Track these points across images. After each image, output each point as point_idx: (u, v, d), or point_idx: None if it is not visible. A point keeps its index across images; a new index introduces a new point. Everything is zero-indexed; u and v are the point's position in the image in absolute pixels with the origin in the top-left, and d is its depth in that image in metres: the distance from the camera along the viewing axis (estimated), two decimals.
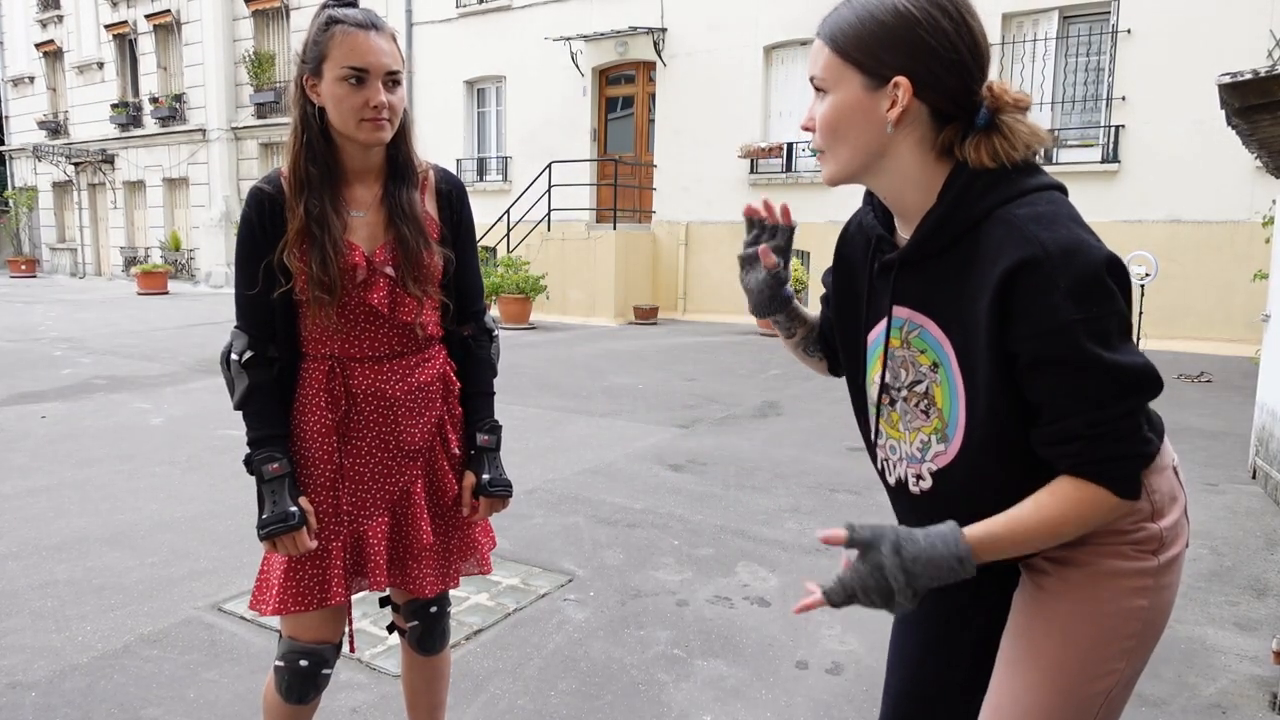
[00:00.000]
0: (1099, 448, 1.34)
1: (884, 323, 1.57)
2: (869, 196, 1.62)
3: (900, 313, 1.53)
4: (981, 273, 1.36)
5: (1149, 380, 1.34)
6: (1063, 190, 1.41)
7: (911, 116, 1.40)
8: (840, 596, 1.42)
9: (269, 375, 2.09)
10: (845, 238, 1.70)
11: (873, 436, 1.66)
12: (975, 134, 1.40)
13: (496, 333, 2.36)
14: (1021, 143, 1.39)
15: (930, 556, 1.36)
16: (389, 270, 2.09)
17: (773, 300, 1.82)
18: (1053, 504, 1.37)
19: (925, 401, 1.52)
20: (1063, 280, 1.28)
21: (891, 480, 1.65)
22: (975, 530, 1.39)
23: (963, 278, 1.40)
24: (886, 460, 1.65)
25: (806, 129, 1.49)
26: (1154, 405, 1.58)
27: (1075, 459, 1.35)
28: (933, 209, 1.43)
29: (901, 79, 1.37)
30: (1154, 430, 1.46)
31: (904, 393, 1.56)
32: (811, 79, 1.46)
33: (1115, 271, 1.32)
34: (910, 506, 1.62)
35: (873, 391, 1.64)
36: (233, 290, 2.13)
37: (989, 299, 1.33)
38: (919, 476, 1.57)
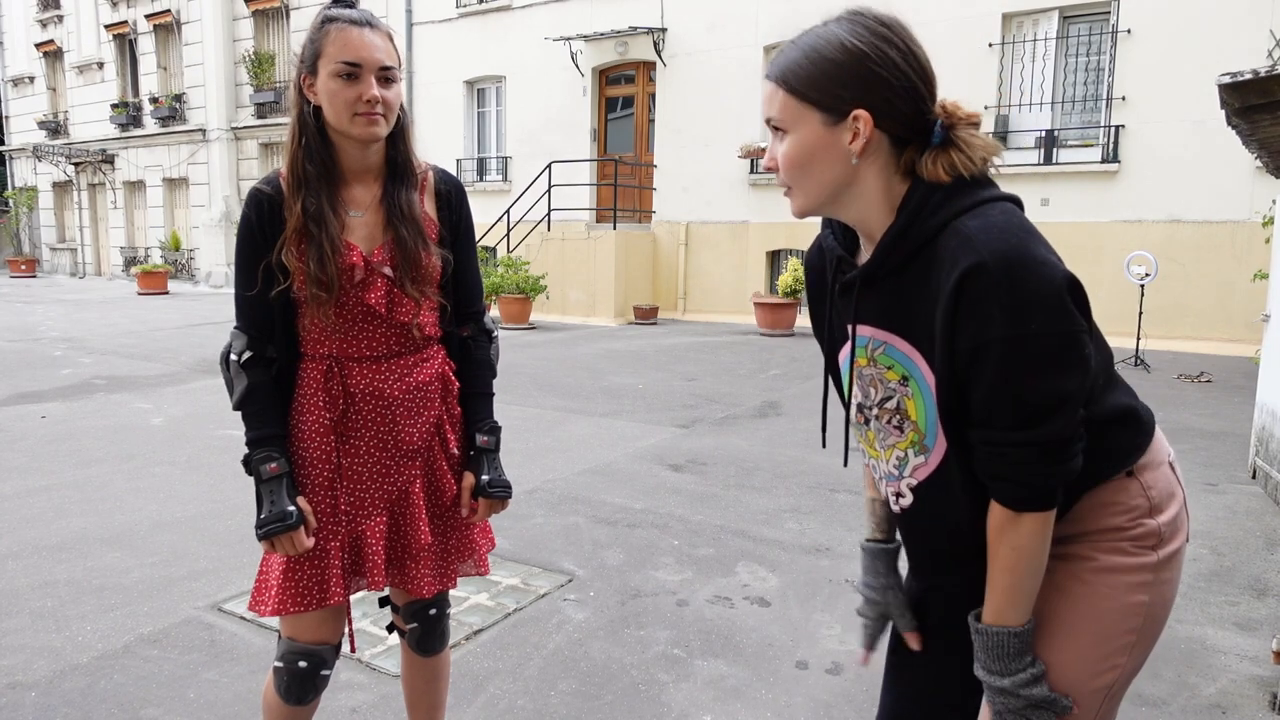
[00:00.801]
0: (992, 464, 1.40)
1: (850, 343, 1.60)
2: (826, 221, 1.64)
3: (864, 331, 1.56)
4: (938, 282, 1.38)
5: (1060, 412, 1.35)
6: (1017, 203, 1.44)
7: (873, 145, 1.43)
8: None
9: (268, 375, 2.10)
10: (809, 263, 1.74)
11: (844, 458, 1.70)
12: (932, 151, 1.43)
13: (496, 333, 2.36)
14: (978, 155, 1.42)
15: (1000, 667, 1.47)
16: (387, 270, 2.09)
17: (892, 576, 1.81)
18: (994, 536, 1.44)
19: (897, 417, 1.54)
20: (1002, 293, 1.30)
21: (882, 497, 1.69)
22: (987, 611, 1.48)
23: (923, 289, 1.43)
24: (875, 479, 1.69)
25: (769, 169, 1.51)
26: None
27: (977, 464, 1.43)
28: (891, 225, 1.46)
29: (861, 111, 1.40)
30: (1136, 434, 1.50)
31: (875, 410, 1.59)
32: (768, 120, 1.49)
33: (1071, 290, 1.33)
34: (899, 523, 1.66)
35: (851, 411, 1.68)
36: (232, 290, 2.14)
37: (944, 305, 1.36)
38: (898, 494, 1.60)
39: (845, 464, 1.73)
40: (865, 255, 1.56)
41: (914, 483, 1.55)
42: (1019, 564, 1.42)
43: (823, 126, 1.42)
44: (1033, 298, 1.29)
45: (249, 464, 2.07)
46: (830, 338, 1.67)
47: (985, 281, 1.30)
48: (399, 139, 2.12)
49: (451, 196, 2.25)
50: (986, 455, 1.39)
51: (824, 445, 1.79)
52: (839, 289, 1.60)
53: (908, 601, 1.73)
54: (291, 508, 2.02)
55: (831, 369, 1.70)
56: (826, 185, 1.46)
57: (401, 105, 2.10)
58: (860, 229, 1.54)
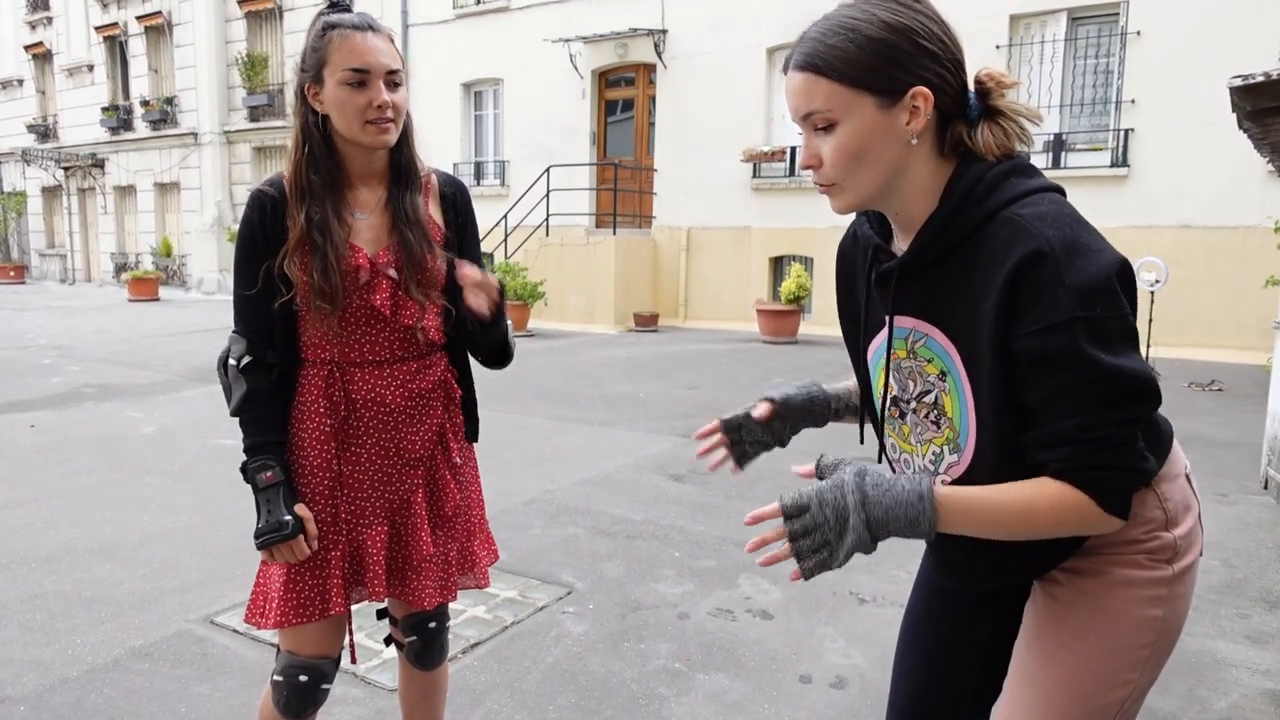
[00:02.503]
0: (1089, 454, 1.32)
1: (883, 334, 1.58)
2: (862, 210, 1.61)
3: (903, 322, 1.53)
4: (987, 273, 1.36)
5: (1148, 390, 1.32)
6: (1062, 193, 1.42)
7: (927, 125, 1.41)
8: (794, 507, 1.41)
9: (267, 380, 2.11)
10: (843, 251, 1.71)
11: (885, 450, 1.67)
12: (978, 125, 1.42)
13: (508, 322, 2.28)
14: (1024, 119, 1.42)
15: (891, 486, 1.38)
16: (392, 273, 2.12)
17: (806, 420, 1.87)
18: (1033, 491, 1.35)
19: (935, 412, 1.52)
20: (1068, 276, 1.28)
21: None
22: (946, 487, 1.40)
23: (967, 281, 1.41)
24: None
25: (810, 167, 1.47)
26: (1162, 413, 1.58)
27: (1064, 463, 1.33)
28: (935, 213, 1.43)
29: (920, 89, 1.37)
30: (1159, 444, 1.47)
31: (913, 404, 1.56)
32: (807, 115, 1.43)
33: (1123, 275, 1.32)
34: None
35: (879, 405, 1.65)
36: (225, 297, 2.15)
37: (996, 298, 1.33)
38: None
39: (886, 455, 1.67)
40: (900, 241, 1.54)
41: (948, 480, 1.52)
42: (1029, 518, 1.36)
43: (878, 111, 1.38)
44: (1100, 280, 1.28)
45: (246, 472, 2.08)
46: (863, 329, 1.64)
47: (1050, 265, 1.29)
48: (403, 142, 2.14)
49: (455, 198, 2.27)
50: (1087, 445, 1.31)
51: (862, 441, 1.76)
52: (876, 279, 1.56)
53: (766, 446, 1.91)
54: (288, 516, 2.03)
55: (857, 360, 1.69)
56: (882, 174, 1.43)
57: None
58: (899, 217, 1.51)
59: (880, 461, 1.68)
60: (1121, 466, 1.33)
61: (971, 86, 1.44)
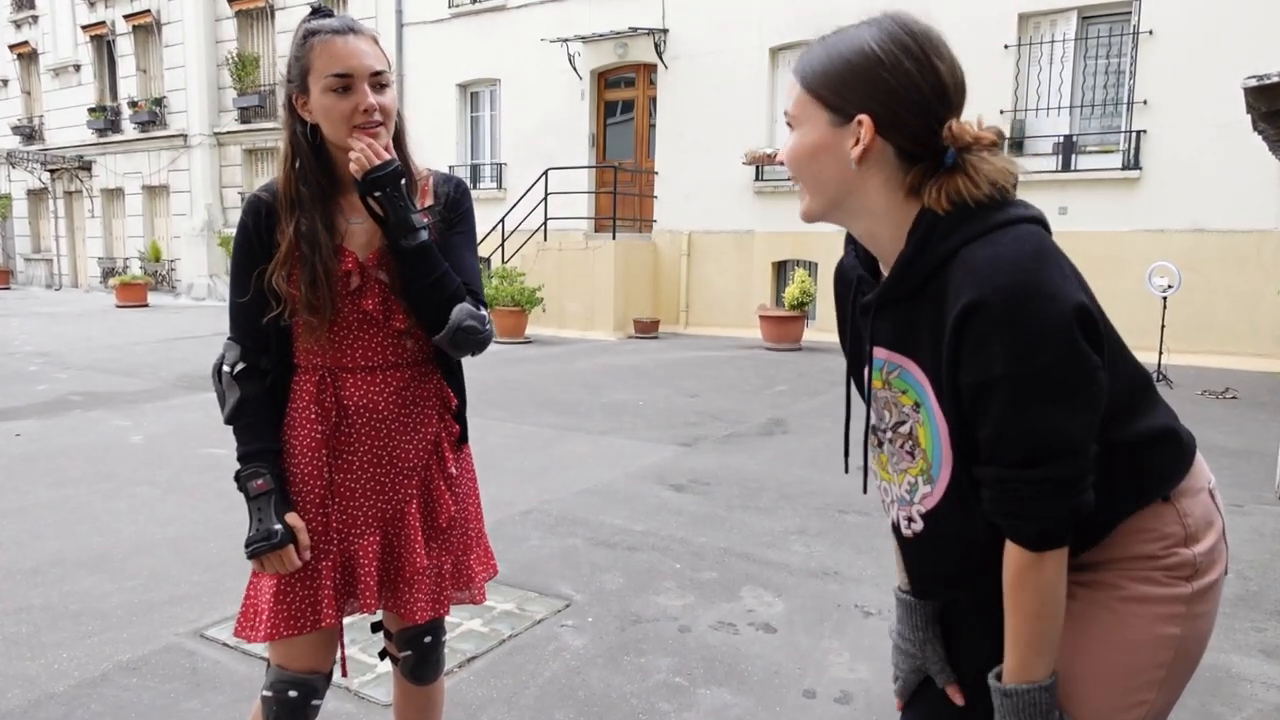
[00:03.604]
0: (1004, 503, 1.40)
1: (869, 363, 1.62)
2: (851, 237, 1.65)
3: (880, 354, 1.58)
4: (945, 313, 1.40)
5: (1065, 453, 1.35)
6: (1038, 222, 1.42)
7: (876, 156, 1.45)
8: None
9: (262, 387, 2.13)
10: (840, 276, 1.74)
11: (875, 478, 1.71)
12: (939, 175, 1.43)
13: (490, 327, 2.22)
14: (985, 180, 1.42)
15: None
16: (382, 275, 2.12)
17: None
18: (1011, 576, 1.43)
19: (910, 442, 1.56)
20: (1004, 330, 1.31)
21: (889, 522, 1.69)
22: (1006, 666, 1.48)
23: (932, 318, 1.44)
24: (884, 501, 1.70)
25: (779, 162, 1.56)
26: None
27: (988, 504, 1.43)
28: (901, 252, 1.47)
29: (864, 117, 1.42)
30: (1180, 459, 1.50)
31: (889, 434, 1.60)
32: (785, 113, 1.54)
33: (1080, 320, 1.33)
34: (906, 550, 1.66)
35: (866, 432, 1.69)
36: (215, 303, 2.16)
37: (948, 341, 1.38)
38: (910, 519, 1.60)
39: (865, 491, 1.76)
40: (885, 273, 1.58)
41: (923, 510, 1.55)
42: (1044, 609, 1.41)
43: (828, 126, 1.46)
44: (1037, 335, 1.30)
45: (238, 480, 2.09)
46: (855, 354, 1.70)
47: (986, 319, 1.31)
48: (396, 145, 2.15)
49: (450, 195, 2.25)
50: (1000, 494, 1.39)
51: (846, 470, 1.77)
52: (859, 309, 1.62)
53: (946, 654, 1.70)
54: (278, 526, 2.04)
55: (857, 384, 1.72)
56: (826, 188, 1.50)
57: (397, 110, 2.13)
58: (869, 245, 1.56)
59: (865, 490, 1.77)
60: (1029, 516, 1.39)
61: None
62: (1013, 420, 1.34)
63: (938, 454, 1.49)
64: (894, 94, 1.41)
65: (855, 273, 1.64)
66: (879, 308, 1.54)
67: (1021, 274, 1.32)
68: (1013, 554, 1.42)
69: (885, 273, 1.56)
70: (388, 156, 2.04)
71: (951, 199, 1.41)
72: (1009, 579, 1.43)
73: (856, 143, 1.43)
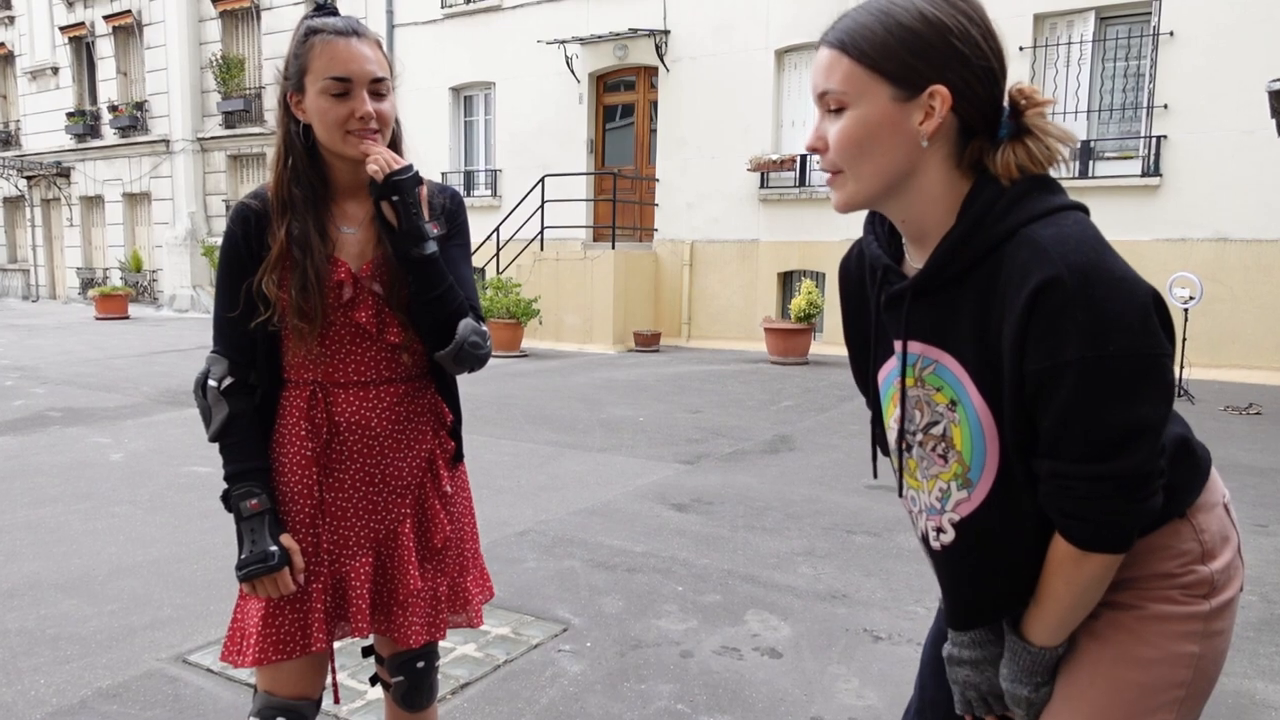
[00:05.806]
0: (1060, 500, 1.40)
1: (893, 360, 1.59)
2: (870, 225, 1.63)
3: (914, 348, 1.54)
4: (1006, 296, 1.37)
5: (1136, 451, 1.34)
6: (1085, 211, 1.43)
7: (943, 130, 1.42)
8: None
9: (250, 403, 2.14)
10: (847, 273, 1.73)
11: (899, 488, 1.69)
12: (1003, 143, 1.43)
13: (488, 343, 2.25)
14: (1055, 142, 1.43)
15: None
16: (376, 288, 2.13)
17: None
18: (1053, 561, 1.46)
19: (942, 445, 1.53)
20: (1079, 310, 1.29)
21: (918, 534, 1.66)
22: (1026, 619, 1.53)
23: (984, 303, 1.42)
24: (911, 513, 1.67)
25: (815, 150, 1.49)
26: (1198, 439, 1.59)
27: (1042, 499, 1.43)
28: (952, 229, 1.44)
29: (939, 88, 1.39)
30: (1195, 473, 1.51)
31: (919, 436, 1.57)
32: (823, 94, 1.46)
33: (1158, 309, 1.34)
34: (937, 566, 1.63)
35: (891, 436, 1.66)
36: (198, 315, 2.17)
37: (1015, 323, 1.35)
38: (939, 529, 1.58)
39: (900, 491, 1.69)
40: (912, 261, 1.55)
41: (956, 518, 1.53)
42: (1075, 601, 1.46)
43: (892, 102, 1.40)
44: (1114, 316, 1.29)
45: (228, 500, 2.10)
46: (874, 353, 1.66)
47: (1061, 297, 1.29)
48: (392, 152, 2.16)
49: (446, 206, 2.27)
50: (1055, 490, 1.39)
51: (875, 475, 1.79)
52: (885, 301, 1.58)
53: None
54: (274, 547, 2.05)
55: (870, 388, 1.70)
56: (886, 171, 1.44)
57: (395, 118, 2.14)
58: (911, 230, 1.52)
59: (901, 495, 1.70)
60: (1080, 516, 1.39)
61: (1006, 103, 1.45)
62: (1078, 409, 1.32)
63: (979, 456, 1.47)
64: (966, 63, 1.39)
65: (879, 262, 1.58)
66: (916, 295, 1.50)
67: (1091, 254, 1.32)
68: (1060, 545, 1.44)
69: (914, 260, 1.54)
70: (406, 162, 2.06)
71: (1023, 165, 1.41)
72: (1051, 563, 1.46)
73: (926, 117, 1.40)
